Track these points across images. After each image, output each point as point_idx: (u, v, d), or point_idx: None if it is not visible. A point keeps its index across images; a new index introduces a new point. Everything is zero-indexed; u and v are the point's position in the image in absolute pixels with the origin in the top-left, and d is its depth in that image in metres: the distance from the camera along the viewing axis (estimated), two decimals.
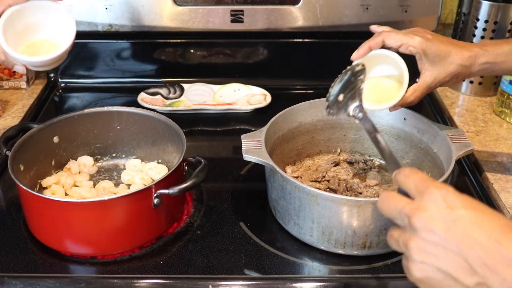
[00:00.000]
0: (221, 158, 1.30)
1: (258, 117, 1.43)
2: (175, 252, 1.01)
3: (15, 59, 1.03)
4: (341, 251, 0.99)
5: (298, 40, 1.55)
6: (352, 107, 0.95)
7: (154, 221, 1.01)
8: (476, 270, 0.57)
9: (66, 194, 1.12)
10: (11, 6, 1.03)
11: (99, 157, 1.23)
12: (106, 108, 1.18)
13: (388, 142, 1.20)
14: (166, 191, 0.97)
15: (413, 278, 0.62)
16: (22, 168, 1.06)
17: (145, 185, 1.11)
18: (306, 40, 1.55)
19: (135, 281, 0.95)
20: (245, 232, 1.05)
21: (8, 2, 1.03)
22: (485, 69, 1.03)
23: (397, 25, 1.50)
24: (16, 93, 1.51)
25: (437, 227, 0.60)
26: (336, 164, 1.20)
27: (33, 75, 1.57)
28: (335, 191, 1.11)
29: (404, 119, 1.16)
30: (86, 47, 1.55)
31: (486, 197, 1.15)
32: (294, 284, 0.95)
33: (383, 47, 1.04)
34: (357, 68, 0.99)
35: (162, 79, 1.57)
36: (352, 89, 0.97)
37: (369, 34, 1.50)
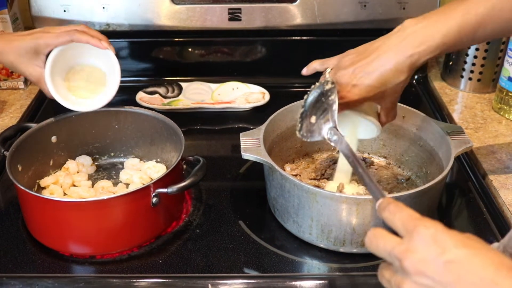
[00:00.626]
0: (219, 157, 1.30)
1: (256, 116, 1.42)
2: (174, 251, 1.01)
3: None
4: (340, 249, 0.99)
5: (296, 38, 1.55)
6: (325, 130, 0.90)
7: (153, 220, 1.01)
8: None
9: (65, 194, 1.11)
10: (56, 46, 1.05)
11: (97, 156, 1.22)
12: (104, 108, 1.18)
13: (387, 140, 1.21)
14: (164, 190, 0.97)
15: None
16: (20, 168, 1.05)
17: (143, 184, 1.11)
18: (304, 38, 1.55)
19: (134, 280, 0.95)
20: (244, 231, 1.05)
21: (54, 43, 1.03)
22: (438, 54, 0.90)
23: (395, 22, 1.49)
24: (14, 93, 1.50)
25: (429, 270, 0.58)
26: (335, 162, 1.20)
27: None
28: None
29: (403, 116, 1.16)
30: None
31: (486, 194, 1.14)
32: (293, 282, 0.95)
33: None
34: (327, 87, 0.90)
35: (160, 78, 1.57)
36: (324, 110, 0.90)
37: (367, 32, 1.51)
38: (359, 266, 0.97)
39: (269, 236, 1.04)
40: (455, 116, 1.40)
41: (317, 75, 1.56)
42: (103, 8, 1.46)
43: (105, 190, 1.12)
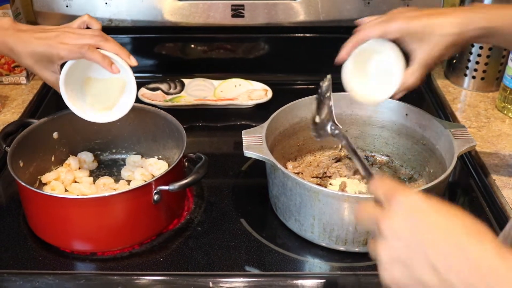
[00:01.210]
0: (221, 154, 1.30)
1: (259, 113, 1.42)
2: (175, 249, 1.01)
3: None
4: (342, 248, 0.98)
5: (299, 35, 1.54)
6: (329, 127, 0.98)
7: (154, 217, 1.01)
8: (441, 272, 0.56)
9: (66, 190, 1.11)
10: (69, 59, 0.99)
11: (99, 153, 1.22)
12: None
13: (390, 138, 1.21)
14: (166, 187, 0.96)
15: (384, 283, 0.62)
16: (21, 164, 1.05)
17: (145, 181, 1.10)
18: (307, 35, 1.54)
19: (135, 277, 0.95)
20: (246, 229, 1.05)
21: (66, 57, 0.98)
22: (483, 35, 0.95)
23: None
24: (16, 89, 1.50)
25: (403, 233, 0.59)
26: (338, 160, 1.20)
27: None
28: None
29: (406, 114, 1.16)
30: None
31: (488, 193, 1.14)
32: (295, 281, 0.95)
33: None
34: (324, 85, 0.98)
35: (163, 75, 1.56)
36: (324, 109, 0.99)
37: None
38: (361, 265, 0.97)
39: (270, 235, 1.04)
40: (458, 115, 1.40)
41: (319, 72, 1.56)
42: (106, 3, 1.46)
43: (106, 186, 1.12)
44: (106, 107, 1.04)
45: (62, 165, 1.17)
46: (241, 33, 1.53)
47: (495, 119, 1.37)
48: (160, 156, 1.20)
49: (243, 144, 1.02)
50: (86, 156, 1.19)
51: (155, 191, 0.96)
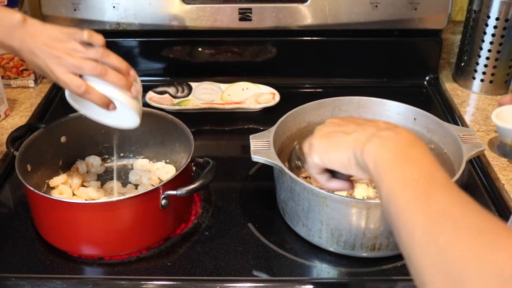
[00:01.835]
0: (229, 158, 1.29)
1: (266, 116, 1.42)
2: (182, 254, 1.00)
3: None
4: (350, 253, 0.98)
5: (306, 38, 1.54)
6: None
7: (162, 222, 1.01)
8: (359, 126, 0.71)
9: (74, 194, 1.11)
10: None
11: (106, 157, 1.22)
12: None
13: None
14: (173, 192, 0.96)
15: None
16: (29, 168, 1.05)
17: (153, 185, 1.11)
18: (315, 38, 1.54)
19: (143, 282, 0.95)
20: (254, 233, 1.04)
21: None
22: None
23: (406, 23, 1.49)
24: (24, 92, 1.50)
25: (334, 121, 0.78)
26: None
27: (40, 74, 1.56)
28: None
29: (414, 118, 1.15)
30: None
31: (497, 197, 1.13)
32: (302, 286, 0.95)
33: None
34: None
35: (170, 78, 1.57)
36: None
37: (378, 33, 1.50)
38: (369, 271, 0.97)
39: (278, 239, 1.03)
40: (467, 118, 1.39)
41: (327, 75, 1.56)
42: (114, 7, 1.46)
43: (114, 190, 1.12)
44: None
45: (70, 169, 1.17)
46: (249, 36, 1.53)
47: None
48: (167, 160, 1.20)
49: (251, 149, 1.02)
50: (94, 160, 1.19)
51: (163, 196, 0.96)
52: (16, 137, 1.09)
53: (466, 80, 1.53)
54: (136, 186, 1.15)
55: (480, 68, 1.48)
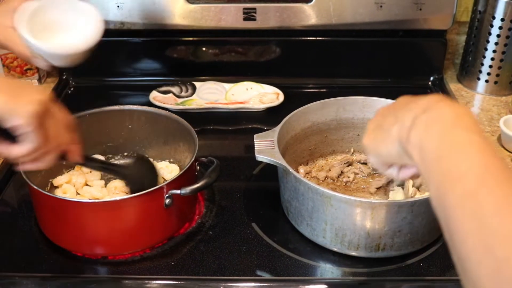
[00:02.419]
0: (233, 157, 1.29)
1: (270, 116, 1.41)
2: (186, 253, 1.00)
3: (37, 49, 1.00)
4: (354, 253, 0.98)
5: (311, 38, 1.54)
6: None
7: (166, 221, 1.01)
8: (398, 116, 0.67)
9: (77, 194, 1.11)
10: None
11: (110, 156, 1.22)
12: (117, 107, 1.18)
13: None
14: (178, 191, 0.96)
15: (364, 145, 0.76)
16: None
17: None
18: (319, 38, 1.54)
19: (146, 282, 0.95)
20: (257, 233, 1.04)
21: None
22: None
23: (411, 23, 1.49)
24: None
25: (384, 110, 0.75)
26: (350, 164, 1.19)
27: (45, 74, 1.56)
28: None
29: None
30: (98, 45, 1.54)
31: None
32: (306, 286, 0.94)
33: None
34: None
35: (174, 78, 1.56)
36: None
37: (383, 33, 1.50)
38: (373, 271, 0.96)
39: (282, 239, 1.03)
40: None
41: (331, 75, 1.56)
42: (118, 6, 1.46)
43: (117, 190, 1.11)
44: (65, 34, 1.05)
45: (73, 168, 1.17)
46: (253, 36, 1.53)
47: None
48: (171, 160, 1.20)
49: (255, 148, 1.02)
50: None
51: (167, 195, 0.96)
52: None
53: (470, 81, 1.53)
54: None
55: (484, 69, 1.48)
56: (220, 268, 0.97)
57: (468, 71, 1.53)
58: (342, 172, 1.16)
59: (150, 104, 1.40)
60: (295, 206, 1.01)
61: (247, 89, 1.50)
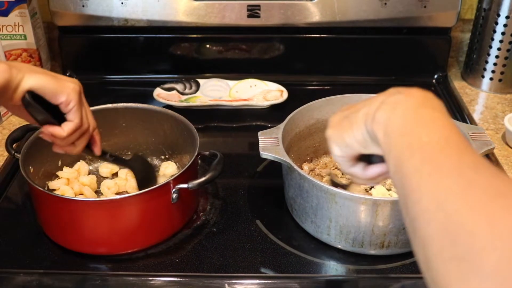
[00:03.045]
0: (237, 154, 1.29)
1: (274, 113, 1.41)
2: (190, 250, 1.00)
3: None
4: (358, 251, 0.98)
5: (315, 35, 1.53)
6: None
7: (172, 217, 1.01)
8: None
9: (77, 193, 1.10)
10: None
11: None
12: (111, 105, 1.16)
13: None
14: (185, 185, 0.96)
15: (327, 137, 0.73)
16: (31, 170, 1.04)
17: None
18: (323, 35, 1.53)
19: (150, 278, 0.95)
20: (261, 230, 1.04)
21: None
22: None
23: (415, 20, 1.49)
24: None
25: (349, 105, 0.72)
26: None
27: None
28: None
29: None
30: (102, 42, 1.55)
31: None
32: (310, 283, 0.94)
33: None
34: None
35: (178, 75, 1.56)
36: None
37: (387, 30, 1.50)
38: (378, 268, 0.96)
39: (286, 236, 1.03)
40: (476, 117, 1.38)
41: (335, 72, 1.56)
42: (122, 3, 1.46)
43: (111, 189, 1.11)
44: None
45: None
46: (257, 33, 1.53)
47: None
48: (167, 157, 1.19)
49: (260, 145, 1.02)
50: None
51: (174, 189, 0.96)
52: (15, 139, 1.08)
53: (475, 79, 1.53)
54: None
55: (489, 66, 1.48)
56: (224, 265, 0.97)
57: (472, 68, 1.53)
58: None
59: (154, 101, 1.40)
60: (299, 203, 1.01)
61: (251, 86, 1.49)
